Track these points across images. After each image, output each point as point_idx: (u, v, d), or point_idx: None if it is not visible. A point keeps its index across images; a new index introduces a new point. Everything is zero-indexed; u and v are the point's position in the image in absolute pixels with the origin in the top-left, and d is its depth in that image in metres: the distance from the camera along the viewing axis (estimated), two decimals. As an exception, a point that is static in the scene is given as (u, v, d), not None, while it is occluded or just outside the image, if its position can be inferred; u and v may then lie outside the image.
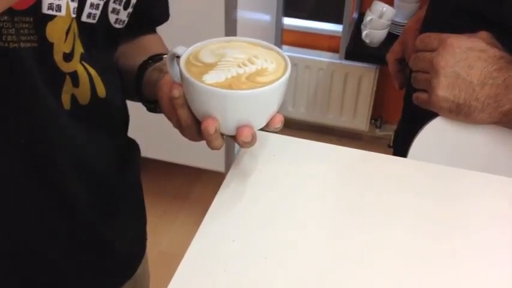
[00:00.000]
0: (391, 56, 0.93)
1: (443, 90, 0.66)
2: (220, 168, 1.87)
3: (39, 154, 0.56)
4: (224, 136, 0.56)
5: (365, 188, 0.64)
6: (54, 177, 0.59)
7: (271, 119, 0.56)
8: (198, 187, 2.17)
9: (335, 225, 0.59)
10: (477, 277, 0.54)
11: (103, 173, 0.66)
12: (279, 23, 2.23)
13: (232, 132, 0.55)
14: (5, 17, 0.48)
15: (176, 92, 0.55)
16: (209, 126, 0.53)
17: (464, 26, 0.71)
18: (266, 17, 2.12)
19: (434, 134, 0.72)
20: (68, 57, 0.55)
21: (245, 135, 0.54)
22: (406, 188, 0.64)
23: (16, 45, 0.49)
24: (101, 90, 0.61)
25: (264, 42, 0.59)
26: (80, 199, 0.62)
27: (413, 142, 0.73)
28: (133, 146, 0.77)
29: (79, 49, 0.56)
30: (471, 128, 0.70)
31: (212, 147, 0.56)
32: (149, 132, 1.35)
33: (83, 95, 0.58)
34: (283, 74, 0.54)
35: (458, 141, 0.71)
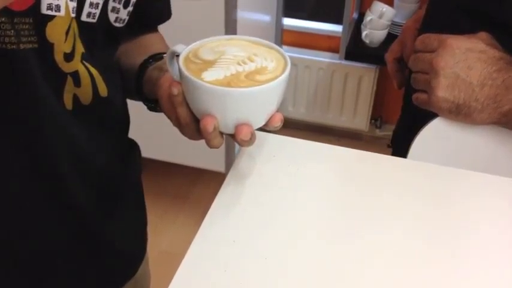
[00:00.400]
0: (389, 56, 0.93)
1: (443, 91, 0.66)
2: (221, 168, 1.87)
3: (39, 154, 0.56)
4: (224, 136, 0.56)
5: (365, 188, 0.65)
6: (54, 177, 0.59)
7: (271, 117, 0.56)
8: (198, 187, 2.17)
9: (335, 226, 0.59)
10: (477, 277, 0.54)
11: (103, 172, 0.66)
12: (279, 23, 2.24)
13: (231, 131, 0.55)
14: (3, 19, 0.48)
15: (175, 90, 0.55)
16: (208, 125, 0.53)
17: (464, 26, 0.71)
18: (266, 17, 2.12)
19: (434, 134, 0.72)
20: (68, 57, 0.55)
21: (244, 134, 0.54)
22: (405, 189, 0.65)
23: (15, 46, 0.49)
24: (103, 90, 0.61)
25: (265, 41, 0.58)
26: (80, 199, 0.62)
27: (413, 142, 0.73)
28: (133, 146, 0.77)
29: (80, 49, 0.56)
30: (471, 129, 0.70)
31: (211, 146, 0.56)
32: (149, 132, 1.35)
33: (85, 94, 0.59)
34: (283, 72, 0.54)
35: (458, 141, 0.71)
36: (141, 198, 0.79)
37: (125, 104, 0.71)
